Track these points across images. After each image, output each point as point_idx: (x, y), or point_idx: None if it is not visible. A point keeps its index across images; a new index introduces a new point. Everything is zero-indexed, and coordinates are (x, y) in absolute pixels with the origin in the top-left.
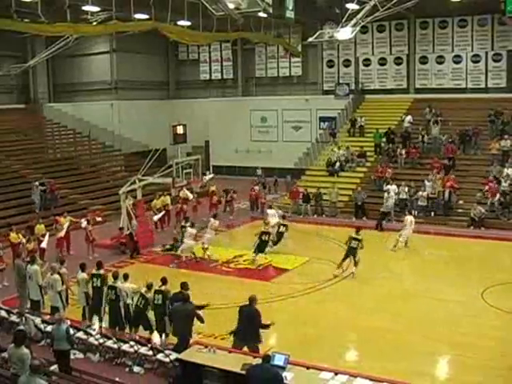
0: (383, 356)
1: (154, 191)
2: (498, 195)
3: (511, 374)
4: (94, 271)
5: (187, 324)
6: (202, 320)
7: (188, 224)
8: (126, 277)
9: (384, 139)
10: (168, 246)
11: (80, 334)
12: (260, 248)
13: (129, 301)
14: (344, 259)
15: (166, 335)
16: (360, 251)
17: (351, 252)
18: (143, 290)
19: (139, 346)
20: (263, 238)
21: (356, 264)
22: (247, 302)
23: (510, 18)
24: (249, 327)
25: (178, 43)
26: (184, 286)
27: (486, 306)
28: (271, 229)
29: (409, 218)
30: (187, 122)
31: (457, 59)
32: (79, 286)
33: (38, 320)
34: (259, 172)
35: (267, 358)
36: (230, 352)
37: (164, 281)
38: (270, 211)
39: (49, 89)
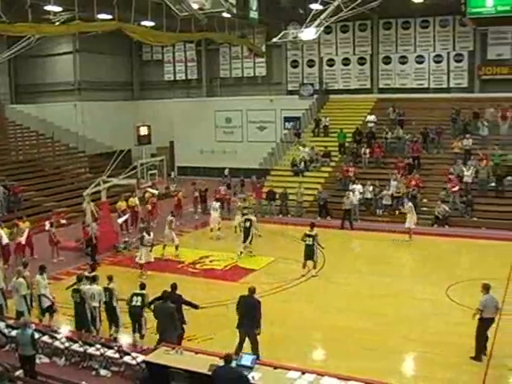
0: (350, 355)
1: (119, 193)
2: (457, 187)
3: (480, 370)
4: (75, 286)
5: (168, 322)
6: (195, 306)
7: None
8: (94, 279)
9: (349, 139)
10: (122, 246)
11: (45, 338)
12: (245, 236)
13: (95, 303)
14: (305, 258)
15: (142, 336)
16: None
17: (309, 250)
18: (105, 283)
19: (106, 349)
20: (246, 224)
21: (315, 265)
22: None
23: (470, 20)
24: (249, 316)
25: (142, 43)
26: (174, 287)
27: (451, 303)
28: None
29: (412, 206)
30: (152, 122)
31: (419, 59)
32: (37, 288)
33: (1, 324)
34: (226, 172)
35: (229, 359)
36: (196, 353)
37: (143, 286)
38: (214, 204)
39: (11, 90)
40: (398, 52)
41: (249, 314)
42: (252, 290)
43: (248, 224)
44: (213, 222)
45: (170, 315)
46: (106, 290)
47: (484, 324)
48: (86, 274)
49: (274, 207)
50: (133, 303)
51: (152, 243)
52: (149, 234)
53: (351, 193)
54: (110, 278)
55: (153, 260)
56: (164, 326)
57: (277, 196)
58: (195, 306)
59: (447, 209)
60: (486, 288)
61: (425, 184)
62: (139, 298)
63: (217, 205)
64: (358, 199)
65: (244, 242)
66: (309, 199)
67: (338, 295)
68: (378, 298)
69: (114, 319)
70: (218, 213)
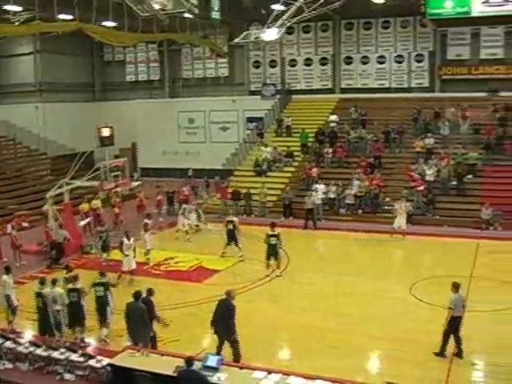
0: (315, 353)
1: (82, 195)
2: (422, 186)
3: (445, 366)
4: (37, 289)
5: (140, 323)
6: (158, 319)
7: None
8: (54, 282)
9: (311, 139)
10: (89, 247)
11: (8, 344)
12: (228, 239)
13: (58, 307)
14: (268, 258)
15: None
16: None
17: (272, 250)
18: (70, 284)
19: (70, 353)
20: (229, 226)
21: (278, 265)
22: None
23: (430, 21)
24: (222, 320)
25: (103, 44)
26: (150, 292)
27: (415, 301)
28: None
29: (401, 206)
30: (114, 124)
31: (381, 59)
32: (3, 288)
33: None
34: (190, 173)
35: (190, 361)
36: (162, 355)
37: (102, 274)
38: (187, 207)
39: None
40: (359, 52)
41: (223, 317)
42: (227, 293)
43: (231, 226)
44: (178, 223)
45: (142, 316)
46: (73, 290)
47: (453, 322)
48: (65, 275)
49: (239, 207)
50: (97, 294)
51: (134, 247)
52: (128, 239)
53: (313, 192)
54: (76, 278)
55: (134, 267)
56: (136, 326)
57: (241, 196)
58: (158, 319)
59: (410, 207)
60: (456, 287)
61: (387, 183)
62: (101, 288)
63: (192, 207)
64: (322, 199)
65: (229, 244)
66: (272, 199)
67: (301, 295)
68: (342, 297)
69: (79, 319)
70: (194, 214)
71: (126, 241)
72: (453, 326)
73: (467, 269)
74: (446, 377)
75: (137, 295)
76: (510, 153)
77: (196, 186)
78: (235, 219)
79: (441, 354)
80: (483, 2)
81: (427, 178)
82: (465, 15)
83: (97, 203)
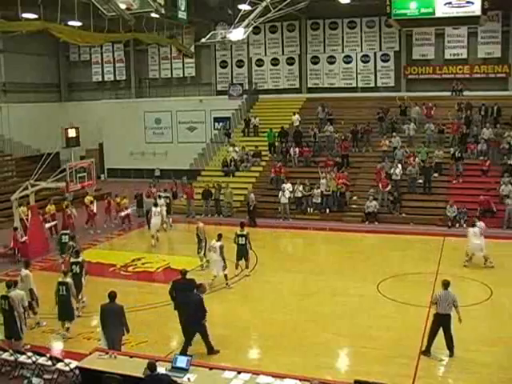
0: (284, 352)
1: (48, 196)
2: (389, 187)
3: (413, 362)
4: (4, 292)
5: (116, 322)
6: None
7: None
8: (8, 285)
9: (278, 138)
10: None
11: None
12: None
13: (20, 309)
14: (238, 258)
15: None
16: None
17: (242, 249)
18: (60, 278)
19: (37, 357)
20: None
21: (247, 265)
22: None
23: (395, 21)
24: (197, 313)
25: (69, 44)
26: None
27: (382, 298)
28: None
29: (471, 230)
30: (80, 124)
31: (347, 59)
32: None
33: None
34: (157, 173)
35: (153, 367)
36: (131, 357)
37: (65, 272)
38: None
39: None
40: (326, 52)
41: (195, 311)
42: (184, 273)
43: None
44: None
45: (119, 314)
46: (62, 283)
47: (437, 319)
48: (72, 259)
49: (210, 208)
50: (60, 292)
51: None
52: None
53: (283, 195)
54: (65, 273)
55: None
56: (113, 327)
57: (213, 195)
58: (127, 329)
59: (378, 206)
60: (444, 284)
61: (354, 182)
62: (64, 287)
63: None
64: (288, 198)
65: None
66: (239, 199)
67: (270, 294)
68: (310, 295)
69: (69, 313)
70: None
71: (216, 243)
72: (436, 322)
73: (433, 265)
74: (414, 373)
75: (112, 295)
76: (474, 151)
77: (174, 188)
78: (200, 225)
79: (425, 351)
80: (446, 4)
81: (393, 177)
82: (429, 16)
83: (67, 204)
